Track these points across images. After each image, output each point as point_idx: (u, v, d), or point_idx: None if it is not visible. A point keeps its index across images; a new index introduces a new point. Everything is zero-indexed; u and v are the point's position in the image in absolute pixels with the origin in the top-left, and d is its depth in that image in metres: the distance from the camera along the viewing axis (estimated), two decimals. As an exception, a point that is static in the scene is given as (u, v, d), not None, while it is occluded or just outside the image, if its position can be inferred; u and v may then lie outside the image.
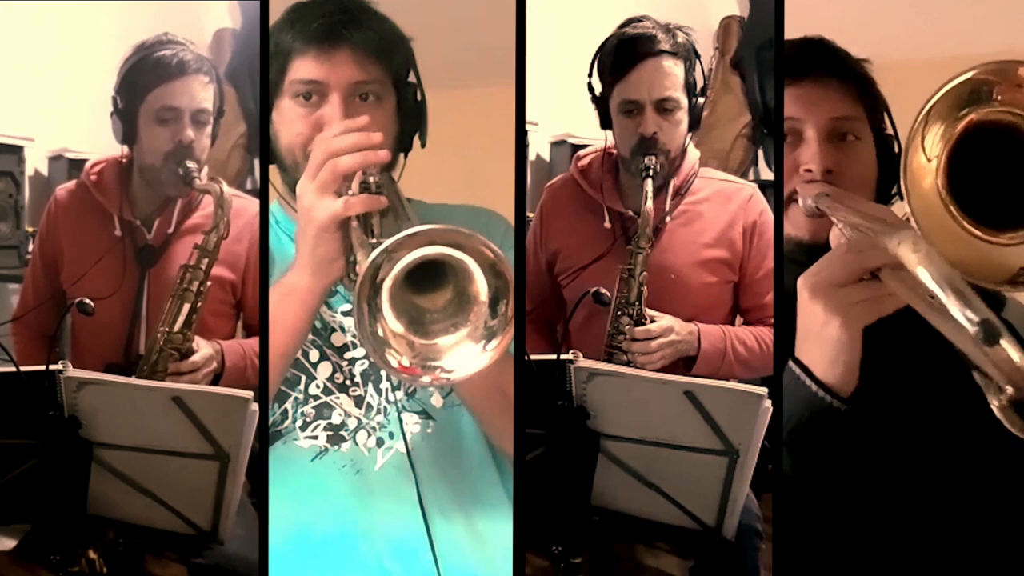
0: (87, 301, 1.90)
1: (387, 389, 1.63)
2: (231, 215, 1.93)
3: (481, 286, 1.28)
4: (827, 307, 1.20)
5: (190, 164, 1.94)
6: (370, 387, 1.63)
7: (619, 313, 1.93)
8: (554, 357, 1.55)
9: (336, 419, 1.61)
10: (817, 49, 1.58)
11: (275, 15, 1.63)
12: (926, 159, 1.32)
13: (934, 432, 1.41)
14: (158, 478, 1.60)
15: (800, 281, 1.23)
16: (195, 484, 1.59)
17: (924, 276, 1.06)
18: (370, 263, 1.23)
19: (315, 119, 1.55)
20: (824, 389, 1.22)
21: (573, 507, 1.59)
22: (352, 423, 1.61)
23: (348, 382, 1.63)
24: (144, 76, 1.97)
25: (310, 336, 1.61)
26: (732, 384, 1.51)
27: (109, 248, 2.01)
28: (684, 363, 1.95)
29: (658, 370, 1.90)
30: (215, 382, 1.94)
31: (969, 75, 1.29)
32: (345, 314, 1.64)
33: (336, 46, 1.55)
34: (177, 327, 1.90)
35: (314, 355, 1.63)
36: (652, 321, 1.93)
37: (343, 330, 1.64)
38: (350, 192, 1.41)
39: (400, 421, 1.61)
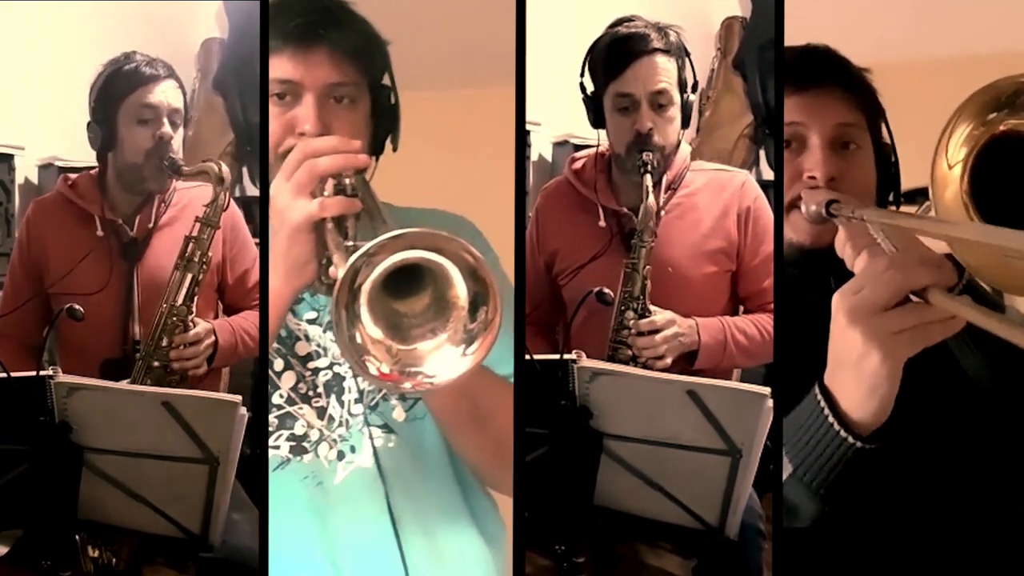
0: (77, 307, 1.91)
1: (349, 401, 1.60)
2: (197, 203, 1.99)
3: (460, 291, 1.26)
4: (867, 336, 1.10)
5: (173, 155, 2.00)
6: (332, 398, 1.60)
7: (623, 308, 1.93)
8: (557, 357, 1.54)
9: (299, 430, 1.58)
10: (822, 58, 1.58)
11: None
12: (948, 166, 1.30)
13: (958, 470, 1.38)
14: (148, 482, 1.59)
15: (836, 300, 1.13)
16: (185, 488, 1.58)
17: None
18: (350, 266, 1.21)
19: (288, 119, 1.54)
20: (848, 429, 1.16)
21: (576, 506, 1.58)
22: (315, 434, 1.59)
23: (311, 393, 1.60)
24: (120, 84, 2.04)
25: (275, 344, 1.60)
26: (735, 384, 1.52)
27: (93, 248, 2.03)
28: (686, 358, 1.94)
29: (665, 367, 1.90)
30: (210, 360, 1.97)
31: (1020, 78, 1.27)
32: (310, 322, 1.62)
33: (313, 46, 1.53)
34: (180, 300, 1.93)
35: (278, 364, 1.60)
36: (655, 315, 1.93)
37: (307, 339, 1.61)
38: (325, 194, 1.40)
39: (362, 434, 1.58)
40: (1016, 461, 1.39)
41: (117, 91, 2.03)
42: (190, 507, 1.59)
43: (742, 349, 1.95)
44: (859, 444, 1.15)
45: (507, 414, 1.54)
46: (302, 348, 1.61)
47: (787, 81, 1.55)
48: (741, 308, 2.05)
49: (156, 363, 1.92)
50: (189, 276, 1.93)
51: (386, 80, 1.63)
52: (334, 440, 1.58)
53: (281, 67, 1.53)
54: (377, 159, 1.61)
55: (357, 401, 1.60)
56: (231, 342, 1.99)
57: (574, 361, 1.54)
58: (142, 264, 2.03)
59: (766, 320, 1.97)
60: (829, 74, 1.55)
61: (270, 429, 1.59)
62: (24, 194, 2.48)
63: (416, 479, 1.58)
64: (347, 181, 1.41)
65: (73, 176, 2.11)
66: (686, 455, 1.52)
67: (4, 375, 1.56)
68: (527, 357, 1.53)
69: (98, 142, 2.05)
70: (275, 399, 1.60)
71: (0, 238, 2.40)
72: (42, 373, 1.55)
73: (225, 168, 1.96)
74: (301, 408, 1.59)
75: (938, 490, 1.39)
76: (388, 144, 1.65)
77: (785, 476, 1.22)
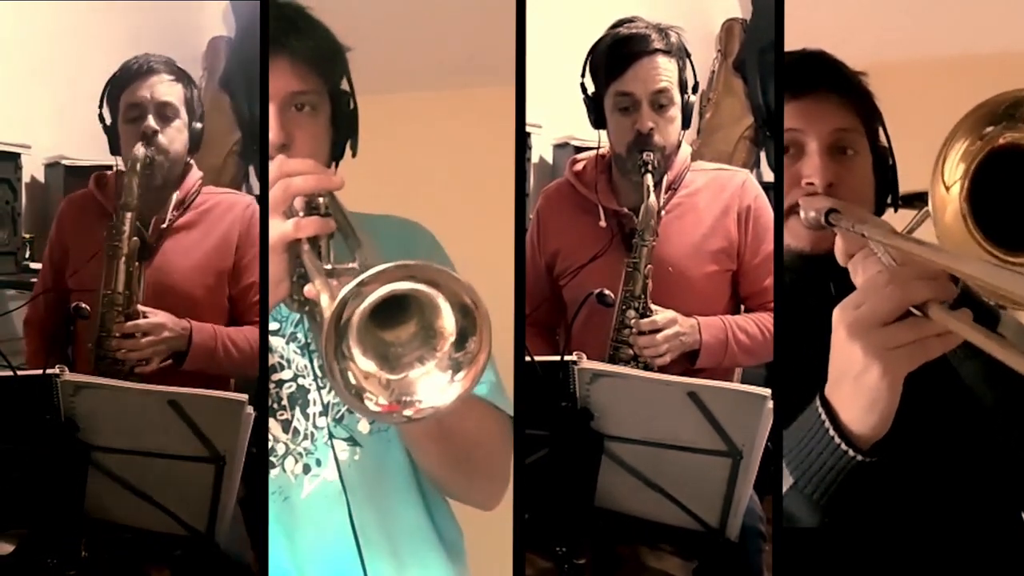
0: (83, 306, 1.93)
1: (314, 414, 1.58)
2: (223, 208, 2.06)
3: (448, 322, 1.25)
4: (867, 350, 1.10)
5: (144, 148, 1.99)
6: (297, 411, 1.58)
7: (624, 307, 1.93)
8: (558, 358, 1.54)
9: None
10: (818, 63, 1.58)
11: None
12: (945, 188, 1.30)
13: (956, 479, 1.37)
14: (154, 481, 1.59)
15: (837, 315, 1.13)
16: (191, 487, 1.59)
17: None
18: (338, 302, 1.17)
19: None
20: (848, 442, 1.15)
21: (577, 508, 1.58)
22: (280, 448, 1.57)
23: (275, 406, 1.59)
24: (117, 86, 2.06)
25: None
26: (735, 385, 1.52)
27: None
28: (687, 357, 1.94)
29: (665, 365, 1.90)
30: (180, 360, 1.97)
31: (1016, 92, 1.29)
32: (273, 334, 1.61)
33: (274, 56, 1.53)
34: (120, 287, 1.94)
35: None
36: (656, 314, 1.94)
37: (271, 350, 1.60)
38: (300, 214, 1.39)
39: (328, 447, 1.57)
40: (1013, 470, 1.39)
41: (114, 95, 2.05)
42: (196, 506, 1.59)
43: (744, 348, 1.95)
44: (859, 458, 1.15)
45: (471, 428, 1.51)
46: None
47: (784, 87, 1.54)
48: (742, 307, 2.05)
49: (107, 354, 1.94)
50: (121, 264, 1.94)
51: (345, 86, 1.62)
52: (299, 454, 1.57)
53: None
54: (336, 164, 1.62)
55: (322, 414, 1.58)
56: (208, 346, 1.98)
57: (575, 363, 1.54)
58: (151, 264, 2.02)
59: (767, 319, 1.97)
60: (825, 79, 1.54)
61: None
62: (31, 193, 2.49)
63: (380, 491, 1.56)
64: (320, 200, 1.39)
65: (105, 176, 2.11)
66: (686, 457, 1.52)
67: (10, 373, 1.57)
68: (527, 359, 1.53)
69: (111, 147, 2.07)
70: None
71: (7, 236, 2.42)
72: (48, 371, 1.55)
73: (141, 150, 1.97)
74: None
75: (936, 498, 1.39)
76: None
77: (786, 488, 1.22)
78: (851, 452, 1.15)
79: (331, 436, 1.57)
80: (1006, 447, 1.38)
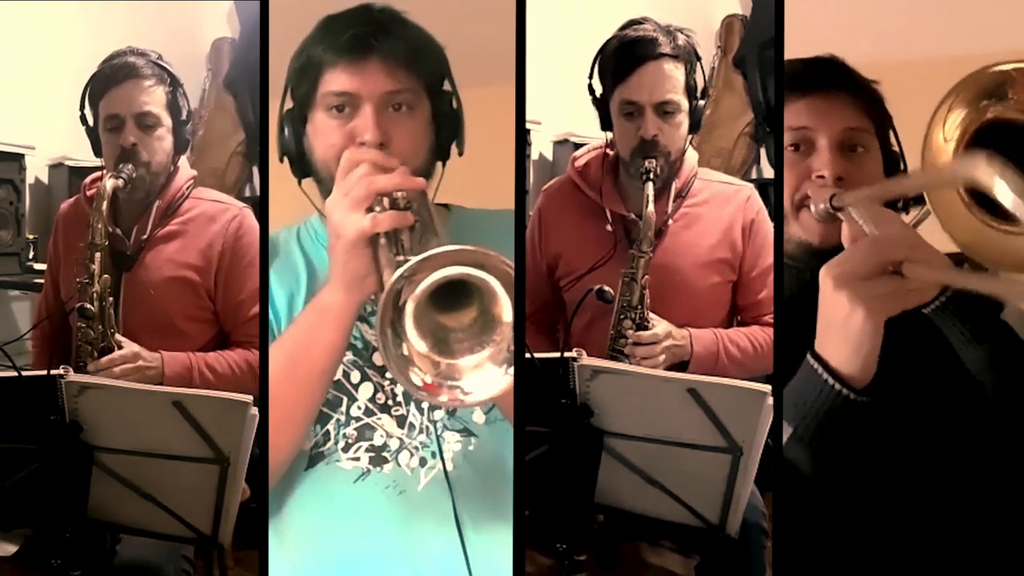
0: (88, 306, 1.92)
1: (428, 408, 1.61)
2: (205, 219, 2.02)
3: (505, 306, 1.27)
4: (851, 297, 1.19)
5: (123, 166, 1.96)
6: (412, 406, 1.61)
7: (622, 317, 1.93)
8: (557, 355, 1.54)
9: (378, 440, 1.59)
10: (829, 66, 1.60)
11: (275, 20, 1.63)
12: (944, 140, 1.34)
13: (942, 427, 1.41)
14: (158, 482, 1.59)
15: (823, 272, 1.22)
16: (195, 488, 1.58)
17: (1002, 189, 1.08)
18: (390, 288, 1.23)
19: (348, 130, 1.54)
20: (841, 382, 1.23)
21: (577, 505, 1.58)
22: (394, 444, 1.59)
23: (390, 402, 1.61)
24: (97, 88, 2.02)
25: (351, 356, 1.60)
26: (735, 381, 1.50)
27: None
28: (677, 368, 1.95)
29: (657, 372, 1.89)
30: None
31: (1003, 68, 1.34)
32: None
33: (366, 57, 1.54)
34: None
35: (355, 376, 1.61)
36: (654, 325, 1.93)
37: None
38: (378, 208, 1.40)
39: (444, 440, 1.59)
40: (1015, 458, 1.40)
41: (94, 95, 2.01)
42: (200, 507, 1.59)
43: (734, 361, 1.96)
44: (852, 395, 1.23)
45: None
46: (379, 358, 1.60)
47: (794, 87, 1.56)
48: (737, 317, 2.06)
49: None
50: (92, 301, 1.92)
51: (446, 86, 1.63)
52: (415, 448, 1.59)
53: (337, 80, 1.54)
54: (444, 165, 1.63)
55: (437, 407, 1.60)
56: (183, 376, 1.95)
57: (575, 359, 1.53)
58: (131, 274, 2.01)
59: (760, 334, 1.99)
60: (837, 81, 1.57)
61: (349, 442, 1.59)
62: (34, 194, 2.51)
63: (499, 480, 1.58)
64: (400, 194, 1.41)
65: (95, 183, 2.06)
66: (687, 453, 1.52)
67: (15, 374, 1.57)
68: (528, 355, 1.53)
69: (93, 149, 2.03)
70: (353, 411, 1.60)
71: (11, 237, 2.43)
72: (53, 372, 1.55)
73: (109, 184, 1.93)
74: (380, 418, 1.60)
75: (940, 490, 1.41)
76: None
77: (786, 439, 1.28)
78: (845, 391, 1.23)
79: (447, 428, 1.60)
80: (1008, 431, 1.39)
